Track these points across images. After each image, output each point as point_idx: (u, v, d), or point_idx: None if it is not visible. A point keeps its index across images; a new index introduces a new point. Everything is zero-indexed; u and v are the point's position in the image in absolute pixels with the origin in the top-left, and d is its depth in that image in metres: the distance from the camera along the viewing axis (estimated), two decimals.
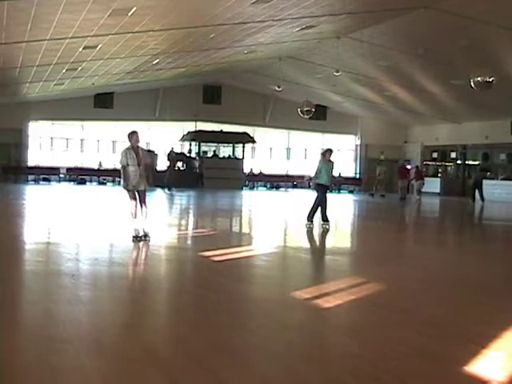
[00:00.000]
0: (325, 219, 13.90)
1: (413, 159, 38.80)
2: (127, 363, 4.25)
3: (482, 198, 27.92)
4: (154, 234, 10.66)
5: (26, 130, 34.65)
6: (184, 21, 18.61)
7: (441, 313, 6.12)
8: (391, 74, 27.62)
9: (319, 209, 13.92)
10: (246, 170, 37.06)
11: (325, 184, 14.05)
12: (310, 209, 13.93)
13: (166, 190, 28.80)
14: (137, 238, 10.30)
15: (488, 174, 32.08)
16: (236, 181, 34.56)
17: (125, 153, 10.43)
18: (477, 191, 28.36)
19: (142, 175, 10.44)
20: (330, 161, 14.29)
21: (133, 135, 10.48)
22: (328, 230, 13.72)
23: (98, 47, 20.06)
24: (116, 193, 28.04)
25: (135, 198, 10.53)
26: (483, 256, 11.07)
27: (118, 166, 10.77)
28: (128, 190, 10.51)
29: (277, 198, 29.61)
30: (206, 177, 33.54)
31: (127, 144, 10.58)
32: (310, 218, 13.86)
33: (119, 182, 34.19)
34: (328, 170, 14.09)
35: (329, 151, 14.43)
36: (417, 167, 32.03)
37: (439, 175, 37.96)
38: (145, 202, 10.55)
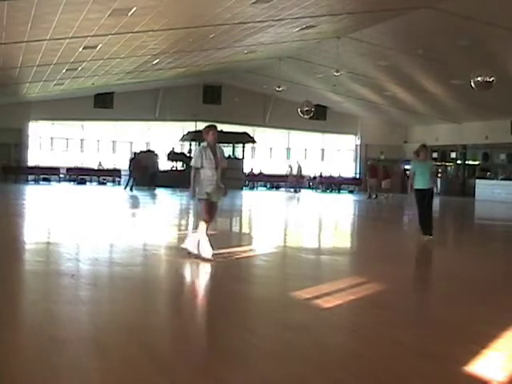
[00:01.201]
0: (426, 231, 11.71)
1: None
2: (127, 363, 4.25)
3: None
4: (157, 234, 10.62)
5: (26, 130, 34.66)
6: (184, 21, 18.62)
7: (441, 313, 6.11)
8: (391, 74, 27.61)
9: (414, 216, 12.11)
10: (246, 170, 37.06)
11: (422, 188, 11.78)
12: (420, 219, 11.89)
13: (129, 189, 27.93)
14: (190, 254, 8.63)
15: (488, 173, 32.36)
16: (236, 181, 34.54)
17: (200, 152, 8.40)
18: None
19: (218, 182, 8.47)
20: (426, 160, 12.11)
21: (209, 131, 8.48)
22: (428, 242, 11.61)
23: (98, 47, 20.06)
24: (116, 193, 28.02)
25: (211, 210, 8.54)
26: (482, 256, 11.07)
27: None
28: (200, 199, 8.51)
29: (277, 198, 29.60)
30: None
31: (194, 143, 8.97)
32: (425, 229, 11.71)
33: (119, 182, 34.67)
34: (424, 171, 11.83)
35: (423, 149, 12.03)
36: (384, 167, 32.42)
37: (439, 175, 37.96)
38: (214, 216, 8.67)
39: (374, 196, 29.35)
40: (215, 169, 8.33)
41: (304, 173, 35.73)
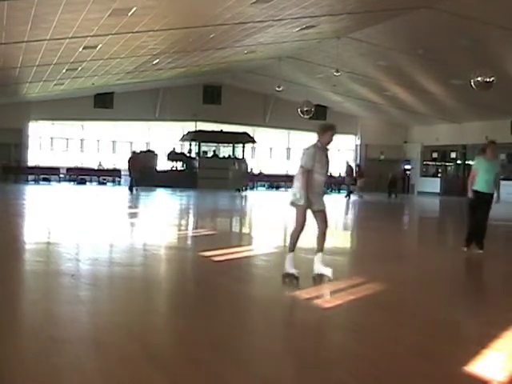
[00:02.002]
0: (479, 243, 10.08)
1: (413, 159, 38.82)
2: (127, 363, 4.25)
3: (396, 195, 32.06)
4: (156, 234, 10.55)
5: (26, 130, 34.66)
6: (184, 21, 18.62)
7: (441, 313, 6.11)
8: (391, 74, 27.62)
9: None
10: None
11: (482, 192, 10.08)
12: (467, 227, 10.33)
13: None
14: (289, 276, 7.11)
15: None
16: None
17: (313, 152, 7.23)
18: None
19: (323, 189, 7.43)
20: (494, 158, 10.32)
21: (329, 131, 7.38)
22: (478, 255, 10.09)
23: (98, 47, 20.07)
24: (116, 193, 28.03)
25: (305, 220, 7.22)
26: (481, 255, 11.06)
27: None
28: (298, 205, 7.17)
29: (277, 198, 29.60)
30: (206, 177, 33.36)
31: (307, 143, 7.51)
32: (477, 240, 10.12)
33: (119, 182, 34.68)
34: (489, 171, 10.06)
35: (492, 145, 10.25)
36: (358, 166, 32.97)
37: (439, 175, 37.97)
38: (326, 224, 7.34)
39: (347, 194, 30.29)
40: (324, 174, 7.23)
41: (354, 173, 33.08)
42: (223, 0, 16.14)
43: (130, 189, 27.05)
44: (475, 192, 10.10)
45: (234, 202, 26.03)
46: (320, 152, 7.24)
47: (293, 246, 7.26)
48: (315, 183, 7.15)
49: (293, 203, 7.23)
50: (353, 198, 29.84)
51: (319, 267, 7.22)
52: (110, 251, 9.95)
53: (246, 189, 31.99)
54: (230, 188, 30.94)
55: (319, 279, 7.16)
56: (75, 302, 6.01)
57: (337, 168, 37.41)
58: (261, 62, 29.50)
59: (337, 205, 25.40)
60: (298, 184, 7.19)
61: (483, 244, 10.06)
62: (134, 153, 31.09)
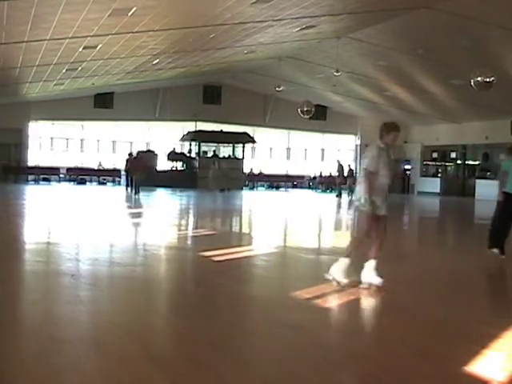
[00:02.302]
0: (500, 245, 9.55)
1: (413, 159, 38.83)
2: (127, 363, 4.25)
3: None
4: (156, 234, 10.53)
5: (26, 130, 34.67)
6: (184, 21, 18.63)
7: (441, 313, 6.11)
8: (391, 74, 27.62)
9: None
10: (246, 170, 37.07)
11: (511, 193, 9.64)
12: (491, 228, 9.86)
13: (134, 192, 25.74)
14: (338, 283, 6.83)
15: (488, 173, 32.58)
16: (236, 181, 34.57)
17: (377, 152, 6.87)
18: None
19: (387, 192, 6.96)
20: None
21: (394, 131, 6.99)
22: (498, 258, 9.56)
23: (98, 47, 20.07)
24: (116, 193, 28.02)
25: (369, 227, 6.90)
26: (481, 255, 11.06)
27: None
28: (362, 211, 6.86)
29: (277, 198, 29.61)
30: (206, 177, 33.34)
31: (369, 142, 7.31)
32: (497, 242, 9.56)
33: (119, 182, 34.66)
34: None
35: None
36: (349, 165, 32.88)
37: (439, 175, 37.98)
38: (385, 232, 6.96)
39: (339, 193, 30.59)
40: (388, 176, 6.82)
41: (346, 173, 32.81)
42: (223, 0, 16.14)
43: (136, 190, 25.34)
44: (505, 194, 9.69)
45: (234, 202, 26.03)
46: (383, 153, 6.88)
47: (350, 253, 6.87)
48: (379, 186, 6.79)
49: (357, 208, 6.92)
50: (344, 197, 29.99)
51: (370, 276, 6.76)
52: (110, 251, 9.95)
53: (229, 189, 31.18)
54: (210, 188, 30.13)
55: (366, 287, 6.75)
56: (75, 302, 6.01)
57: (328, 168, 37.46)
58: (261, 62, 29.50)
59: (329, 204, 25.50)
60: (361, 188, 6.84)
61: (504, 248, 9.54)
62: (138, 153, 29.91)
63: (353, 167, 32.98)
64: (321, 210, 23.16)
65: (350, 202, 26.98)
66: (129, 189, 26.96)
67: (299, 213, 21.08)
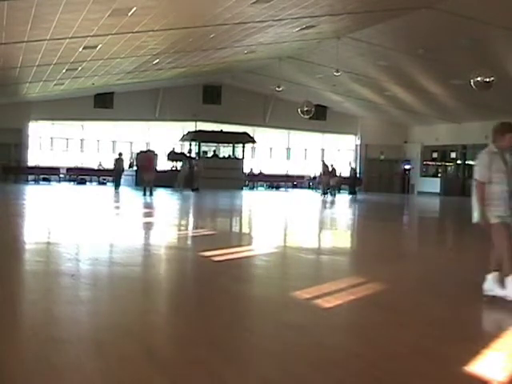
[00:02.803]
0: None
1: (413, 159, 38.85)
2: (127, 363, 4.25)
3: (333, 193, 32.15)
4: (157, 234, 10.55)
5: (26, 130, 34.69)
6: (184, 21, 18.64)
7: (441, 313, 6.11)
8: (391, 74, 27.63)
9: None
10: (246, 170, 37.08)
11: None
12: None
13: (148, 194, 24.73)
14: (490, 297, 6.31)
15: None
16: (236, 181, 34.58)
17: (489, 159, 6.18)
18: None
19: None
20: None
21: (507, 132, 6.23)
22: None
23: (98, 47, 20.08)
24: (115, 193, 28.02)
25: (506, 238, 6.13)
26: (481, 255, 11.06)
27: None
28: (490, 224, 6.26)
29: (277, 198, 29.62)
30: (205, 177, 33.22)
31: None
32: None
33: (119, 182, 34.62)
34: None
35: None
36: (332, 165, 33.24)
37: (439, 175, 37.98)
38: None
39: (323, 192, 31.23)
40: (508, 184, 6.10)
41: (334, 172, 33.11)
42: (223, 0, 16.15)
43: (150, 191, 24.51)
44: None
45: (234, 202, 26.03)
46: (499, 158, 6.14)
47: (499, 266, 6.17)
48: (492, 194, 6.11)
49: (478, 223, 6.38)
50: (329, 196, 30.47)
51: (495, 288, 6.22)
52: (110, 251, 9.95)
53: (197, 188, 30.30)
54: (179, 189, 29.38)
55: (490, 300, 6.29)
56: (75, 301, 6.01)
57: (313, 168, 37.59)
58: (261, 62, 29.51)
59: (314, 204, 25.53)
60: (474, 200, 6.31)
61: None
62: (147, 151, 29.09)
63: (335, 167, 33.10)
64: (321, 210, 23.16)
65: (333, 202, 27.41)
66: (117, 188, 27.19)
67: (299, 213, 21.08)
